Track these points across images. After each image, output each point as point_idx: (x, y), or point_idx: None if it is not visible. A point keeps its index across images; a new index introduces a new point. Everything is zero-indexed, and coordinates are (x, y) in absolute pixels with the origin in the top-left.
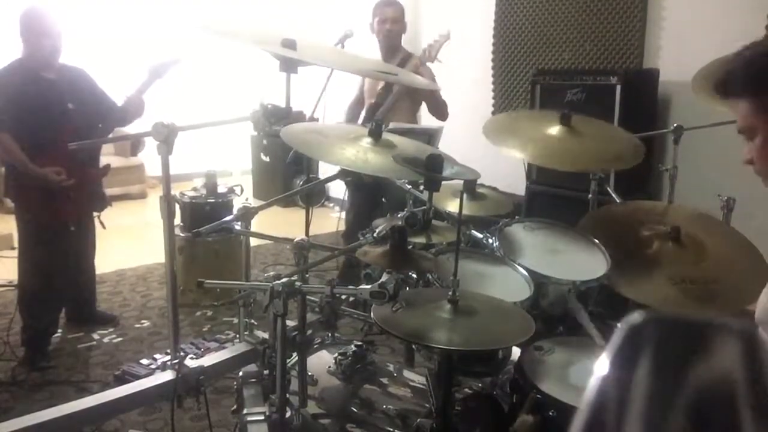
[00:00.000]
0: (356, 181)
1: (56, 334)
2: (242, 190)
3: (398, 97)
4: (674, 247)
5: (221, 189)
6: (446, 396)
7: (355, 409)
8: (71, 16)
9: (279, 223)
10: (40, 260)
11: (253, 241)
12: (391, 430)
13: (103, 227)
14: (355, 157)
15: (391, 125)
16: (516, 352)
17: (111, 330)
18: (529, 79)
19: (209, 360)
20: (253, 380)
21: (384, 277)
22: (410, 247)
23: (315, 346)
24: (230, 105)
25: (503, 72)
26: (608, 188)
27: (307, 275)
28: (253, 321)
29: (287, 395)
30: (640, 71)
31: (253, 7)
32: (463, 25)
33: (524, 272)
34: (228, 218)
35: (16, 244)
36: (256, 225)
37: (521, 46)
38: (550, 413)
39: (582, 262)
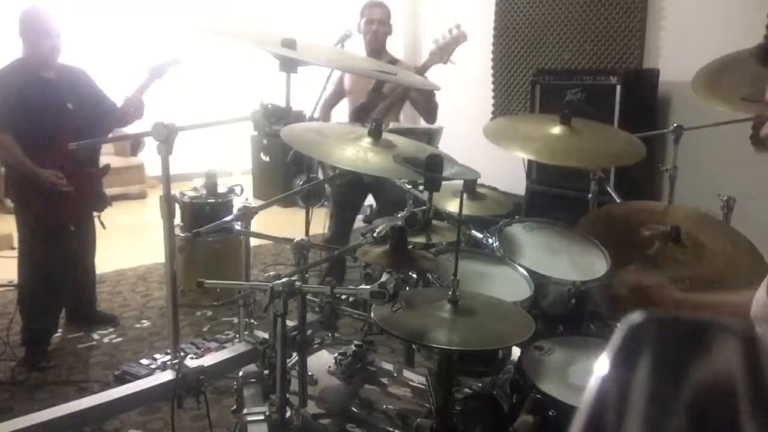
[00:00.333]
0: (347, 184)
1: (56, 334)
2: (242, 190)
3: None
4: (674, 247)
5: (221, 189)
6: (446, 396)
7: (355, 409)
8: (71, 16)
9: (279, 223)
10: (40, 260)
11: (253, 241)
12: (391, 430)
13: (103, 227)
14: (355, 157)
15: (391, 125)
16: (516, 352)
17: (111, 330)
18: (529, 79)
19: (209, 360)
20: (253, 380)
21: (384, 277)
22: (410, 247)
23: (315, 346)
24: (230, 105)
25: (503, 72)
26: (608, 188)
27: (307, 275)
28: (253, 321)
29: (287, 395)
30: (640, 71)
31: (253, 7)
32: (463, 26)
33: (524, 272)
34: (228, 218)
35: (16, 244)
36: (256, 225)
37: (521, 46)
38: (550, 413)
39: (582, 262)
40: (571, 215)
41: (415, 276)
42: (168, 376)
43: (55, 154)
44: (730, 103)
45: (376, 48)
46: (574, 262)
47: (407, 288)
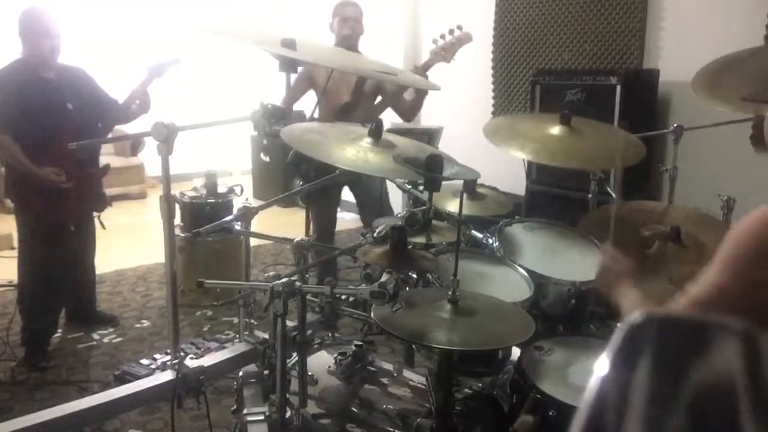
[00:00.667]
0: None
1: (56, 334)
2: (242, 190)
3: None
4: (674, 247)
5: (221, 189)
6: (446, 396)
7: (355, 409)
8: (71, 16)
9: (279, 223)
10: (40, 260)
11: (253, 241)
12: (391, 430)
13: (103, 227)
14: (356, 158)
15: (391, 125)
16: (516, 352)
17: (111, 330)
18: (529, 79)
19: (209, 360)
20: (253, 380)
21: (384, 277)
22: (410, 247)
23: (315, 346)
24: (230, 105)
25: (503, 72)
26: (608, 188)
27: (307, 275)
28: (253, 321)
29: (287, 395)
30: (640, 71)
31: (253, 7)
32: (463, 26)
33: (524, 272)
34: (228, 218)
35: (16, 244)
36: (256, 225)
37: (521, 46)
38: (550, 413)
39: (582, 262)
40: (571, 215)
41: (415, 276)
42: (168, 376)
43: (55, 155)
44: (730, 103)
45: (351, 45)
46: (574, 262)
47: (407, 288)
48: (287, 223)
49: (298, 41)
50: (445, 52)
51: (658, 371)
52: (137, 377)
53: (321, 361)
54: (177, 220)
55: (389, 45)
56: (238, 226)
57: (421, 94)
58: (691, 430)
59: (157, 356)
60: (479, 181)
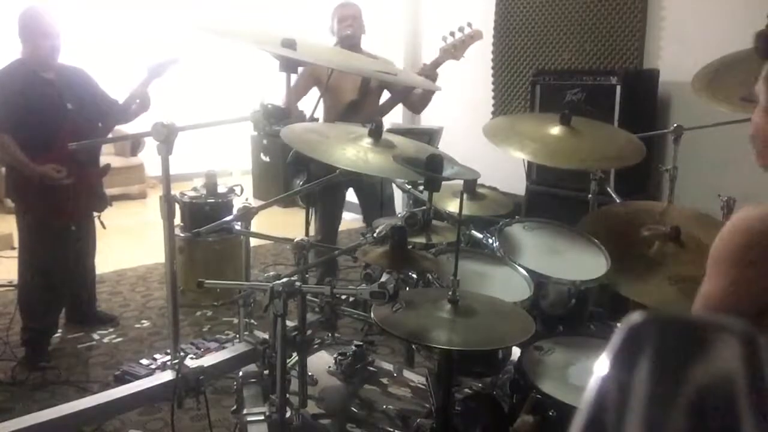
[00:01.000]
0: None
1: (56, 334)
2: (242, 190)
3: (379, 94)
4: (674, 247)
5: (221, 189)
6: (446, 396)
7: (355, 409)
8: (71, 16)
9: (279, 223)
10: (40, 260)
11: (253, 241)
12: (391, 430)
13: (103, 227)
14: (356, 158)
15: (391, 125)
16: (516, 352)
17: (111, 330)
18: (529, 79)
19: (209, 360)
20: (253, 380)
21: (384, 277)
22: (410, 247)
23: (315, 346)
24: (230, 105)
25: (503, 72)
26: (608, 188)
27: (307, 275)
28: (253, 321)
29: (287, 395)
30: (640, 71)
31: (253, 7)
32: (467, 21)
33: (524, 272)
34: (228, 218)
35: (16, 244)
36: (256, 225)
37: (521, 46)
38: (550, 413)
39: (582, 262)
40: (571, 215)
41: (415, 276)
42: (168, 376)
43: (55, 154)
44: (730, 103)
45: (353, 45)
46: (574, 262)
47: (407, 288)
48: (287, 223)
49: (298, 41)
50: (455, 50)
51: (658, 371)
52: (137, 377)
53: (321, 361)
54: (177, 220)
55: (389, 45)
56: (238, 226)
57: (428, 90)
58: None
59: (157, 356)
60: (479, 181)
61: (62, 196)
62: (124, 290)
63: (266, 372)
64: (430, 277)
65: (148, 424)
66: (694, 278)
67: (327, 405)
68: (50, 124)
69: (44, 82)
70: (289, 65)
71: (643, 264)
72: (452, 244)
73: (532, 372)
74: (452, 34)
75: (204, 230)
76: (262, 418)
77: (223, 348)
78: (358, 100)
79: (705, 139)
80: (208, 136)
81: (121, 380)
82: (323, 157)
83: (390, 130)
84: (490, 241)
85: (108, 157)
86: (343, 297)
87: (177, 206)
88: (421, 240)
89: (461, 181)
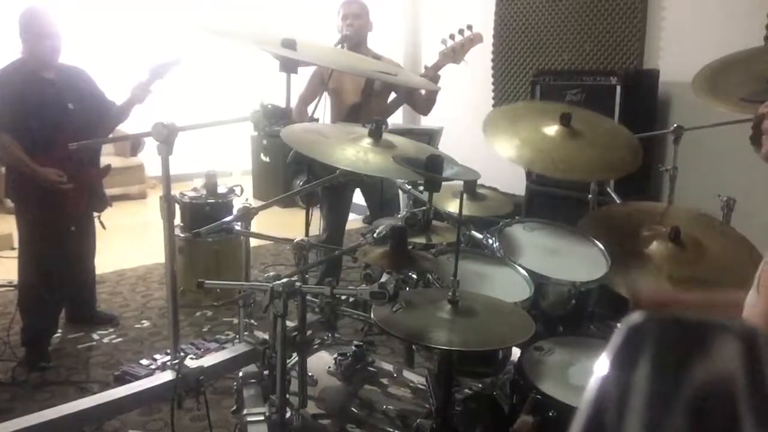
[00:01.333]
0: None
1: (56, 334)
2: (242, 191)
3: (385, 96)
4: (674, 247)
5: (221, 189)
6: (446, 396)
7: (355, 410)
8: (71, 16)
9: (279, 223)
10: (41, 260)
11: (253, 242)
12: (391, 430)
13: (103, 227)
14: (356, 158)
15: (391, 125)
16: (516, 352)
17: (111, 330)
18: (529, 80)
19: (209, 360)
20: (253, 380)
21: (384, 277)
22: (410, 247)
23: (315, 347)
24: (230, 105)
25: (503, 72)
26: (608, 188)
27: (307, 275)
28: (253, 321)
29: (287, 395)
30: (640, 71)
31: (253, 7)
32: (463, 26)
33: (524, 273)
34: (228, 218)
35: (16, 244)
36: (256, 225)
37: (521, 46)
38: (550, 413)
39: (582, 263)
40: (571, 215)
41: (415, 276)
42: (168, 376)
43: (56, 155)
44: (730, 103)
45: (355, 43)
46: (574, 263)
47: (407, 288)
48: (287, 223)
49: (298, 41)
50: (455, 53)
51: (658, 371)
52: (137, 377)
53: (321, 362)
54: (177, 221)
55: (389, 45)
56: (238, 227)
57: (431, 91)
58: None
59: (157, 356)
60: (479, 181)
61: (62, 197)
62: (124, 290)
63: (266, 372)
64: (430, 277)
65: (148, 424)
66: (694, 278)
67: (327, 405)
68: (51, 124)
69: (45, 82)
70: (289, 65)
71: (643, 264)
72: (452, 244)
73: (532, 372)
74: (452, 37)
75: (204, 230)
76: (262, 418)
77: (223, 348)
78: (361, 103)
79: (705, 139)
80: (208, 136)
81: (121, 380)
82: (323, 158)
83: (390, 131)
84: (490, 241)
85: (108, 157)
86: (343, 297)
87: (177, 206)
88: (421, 240)
89: (461, 182)
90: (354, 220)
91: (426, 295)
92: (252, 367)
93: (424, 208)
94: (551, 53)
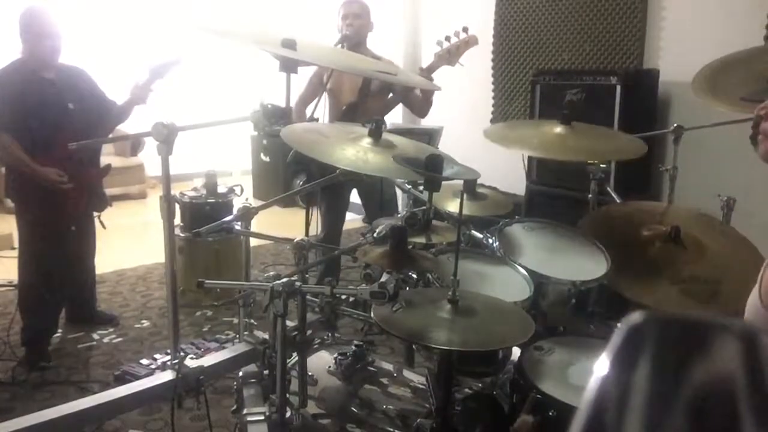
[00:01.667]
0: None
1: (56, 334)
2: (242, 190)
3: (383, 97)
4: (674, 247)
5: (221, 189)
6: (446, 396)
7: (355, 409)
8: (71, 16)
9: (279, 223)
10: (41, 260)
11: (253, 241)
12: (391, 430)
13: (103, 227)
14: (356, 157)
15: (391, 125)
16: (516, 352)
17: (111, 330)
18: (529, 79)
19: (209, 360)
20: (253, 380)
21: (384, 277)
22: (410, 247)
23: (315, 346)
24: (230, 105)
25: (503, 72)
26: (608, 188)
27: (307, 275)
28: (253, 321)
29: (287, 395)
30: (640, 71)
31: (253, 7)
32: (463, 26)
33: (524, 272)
34: (228, 218)
35: (16, 244)
36: (256, 225)
37: (521, 46)
38: (550, 413)
39: (582, 262)
40: (571, 215)
41: (415, 276)
42: (168, 376)
43: (56, 154)
44: (730, 103)
45: (355, 43)
46: (574, 262)
47: (407, 288)
48: (287, 223)
49: (298, 41)
50: (450, 55)
51: (658, 371)
52: (137, 377)
53: (321, 361)
54: (177, 220)
55: (389, 45)
56: (238, 226)
57: (427, 92)
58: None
59: (157, 356)
60: (479, 181)
61: (62, 196)
62: (124, 290)
63: (266, 372)
64: (430, 277)
65: (148, 424)
66: (694, 278)
67: (327, 405)
68: (51, 124)
69: (45, 82)
70: (289, 65)
71: (643, 264)
72: (452, 244)
73: (532, 372)
74: (447, 38)
75: (204, 230)
76: (262, 418)
77: (223, 348)
78: (357, 102)
79: (705, 139)
80: (208, 136)
81: (121, 380)
82: (323, 157)
83: (390, 130)
84: (490, 241)
85: (108, 157)
86: (343, 297)
87: (177, 206)
88: (421, 240)
89: (461, 181)
90: (353, 220)
91: (426, 294)
92: (252, 367)
93: (424, 207)
94: (551, 53)
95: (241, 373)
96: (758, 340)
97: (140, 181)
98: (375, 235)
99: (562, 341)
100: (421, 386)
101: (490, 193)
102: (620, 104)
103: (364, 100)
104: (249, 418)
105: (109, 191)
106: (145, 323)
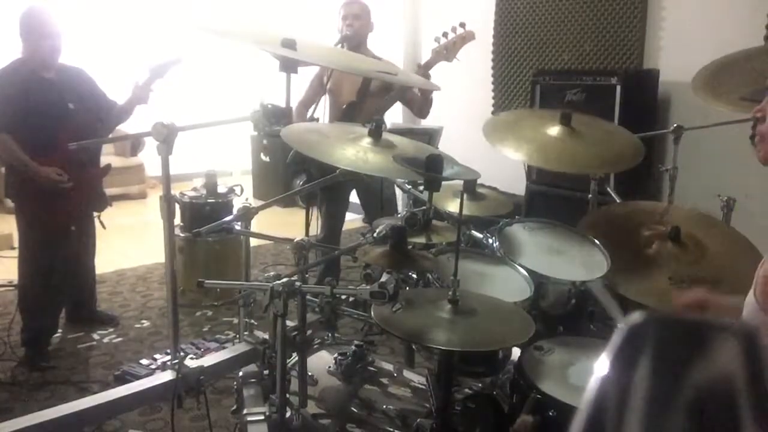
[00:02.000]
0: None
1: (56, 334)
2: (242, 190)
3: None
4: (674, 247)
5: (221, 189)
6: (446, 396)
7: (355, 409)
8: (71, 16)
9: (279, 223)
10: (41, 260)
11: (253, 241)
12: (391, 430)
13: (103, 227)
14: (356, 157)
15: (391, 125)
16: (516, 352)
17: (111, 330)
18: (529, 79)
19: (209, 360)
20: (253, 380)
21: (384, 277)
22: (410, 247)
23: (315, 346)
24: (230, 105)
25: (503, 72)
26: (608, 188)
27: (307, 275)
28: (253, 321)
29: (287, 395)
30: (640, 71)
31: (253, 7)
32: (465, 23)
33: (524, 272)
34: (228, 218)
35: (16, 244)
36: (256, 225)
37: (521, 46)
38: (550, 413)
39: (582, 262)
40: (571, 215)
41: (415, 276)
42: (168, 376)
43: (56, 155)
44: (730, 103)
45: (355, 43)
46: (574, 262)
47: (407, 288)
48: (287, 223)
49: (298, 41)
50: (447, 51)
51: (658, 371)
52: (137, 377)
53: (321, 361)
54: (177, 220)
55: (389, 45)
56: (238, 226)
57: (426, 91)
58: (691, 430)
59: (157, 356)
60: (479, 181)
61: (62, 197)
62: (124, 290)
63: (266, 372)
64: (430, 277)
65: (148, 424)
66: (694, 278)
67: (327, 405)
68: (51, 124)
69: (45, 82)
70: (289, 65)
71: (643, 264)
72: (452, 244)
73: (532, 372)
74: (445, 35)
75: (204, 230)
76: (262, 418)
77: (223, 348)
78: (356, 102)
79: (705, 139)
80: (208, 136)
81: (121, 380)
82: (323, 157)
83: (390, 130)
84: (490, 241)
85: (108, 157)
86: (343, 297)
87: (177, 206)
88: (421, 240)
89: (461, 181)
90: (353, 220)
91: (426, 294)
92: (252, 367)
93: (424, 207)
94: (551, 53)
95: (241, 373)
96: (757, 341)
97: (140, 181)
98: (375, 235)
99: (562, 341)
100: (421, 386)
101: (490, 193)
102: (620, 104)
103: (363, 100)
104: (249, 418)
105: (109, 191)
106: (145, 323)
